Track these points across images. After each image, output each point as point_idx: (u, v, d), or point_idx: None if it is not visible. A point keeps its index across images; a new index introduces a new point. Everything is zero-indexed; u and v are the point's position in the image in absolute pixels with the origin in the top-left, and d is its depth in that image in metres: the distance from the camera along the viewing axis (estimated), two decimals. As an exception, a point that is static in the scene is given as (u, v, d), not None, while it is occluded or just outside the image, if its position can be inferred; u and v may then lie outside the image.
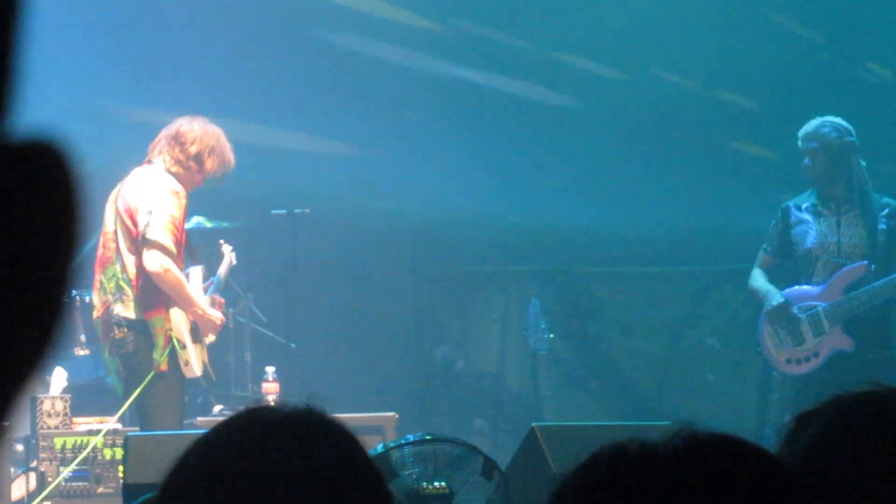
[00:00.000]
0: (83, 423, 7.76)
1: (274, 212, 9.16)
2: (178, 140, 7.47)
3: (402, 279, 10.79)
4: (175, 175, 7.44)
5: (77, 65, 10.04)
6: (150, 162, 7.50)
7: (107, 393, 8.15)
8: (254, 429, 1.81)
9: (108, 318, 7.39)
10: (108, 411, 7.82)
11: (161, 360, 7.29)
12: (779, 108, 10.45)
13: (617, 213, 10.94)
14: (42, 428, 7.65)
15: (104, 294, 7.43)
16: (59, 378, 8.18)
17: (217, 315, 7.58)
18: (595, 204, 10.94)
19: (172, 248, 7.27)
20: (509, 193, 10.91)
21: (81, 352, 8.43)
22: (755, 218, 9.49)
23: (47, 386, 8.09)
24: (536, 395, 9.50)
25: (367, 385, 10.11)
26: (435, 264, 10.94)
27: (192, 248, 7.73)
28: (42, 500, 7.48)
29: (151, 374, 7.29)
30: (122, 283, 7.37)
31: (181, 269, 7.37)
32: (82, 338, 8.28)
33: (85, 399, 8.27)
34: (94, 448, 7.60)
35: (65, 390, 8.12)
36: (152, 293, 7.32)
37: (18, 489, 7.69)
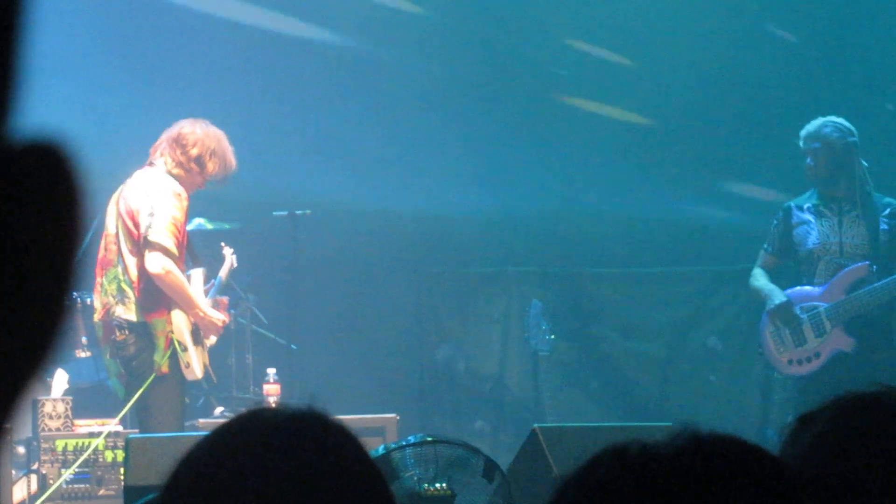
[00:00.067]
0: (84, 426, 7.76)
1: (275, 213, 9.16)
2: (179, 142, 7.48)
3: (404, 280, 10.79)
4: (176, 177, 7.44)
5: (79, 66, 10.04)
6: (151, 164, 7.51)
7: (108, 395, 8.15)
8: (255, 430, 1.81)
9: (109, 321, 7.39)
10: (110, 413, 7.83)
11: (162, 362, 7.29)
12: (780, 110, 10.45)
13: (618, 213, 10.93)
14: (43, 430, 7.66)
15: (105, 296, 7.43)
16: (60, 380, 8.19)
17: (219, 317, 7.58)
18: (596, 205, 10.94)
19: (174, 249, 7.27)
20: (510, 194, 10.91)
21: (83, 354, 8.44)
22: (757, 219, 9.49)
23: (48, 388, 8.09)
24: (537, 396, 9.50)
25: (368, 386, 10.11)
26: (436, 265, 10.94)
27: (194, 251, 7.73)
28: (43, 503, 7.48)
29: (152, 376, 7.29)
30: (123, 285, 7.37)
31: (182, 272, 7.37)
32: (83, 340, 8.29)
33: (86, 401, 8.27)
34: (96, 450, 7.60)
35: (66, 392, 8.12)
36: (154, 295, 7.32)
37: (20, 491, 7.69)
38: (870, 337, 8.08)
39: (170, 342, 7.31)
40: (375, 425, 7.61)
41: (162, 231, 7.25)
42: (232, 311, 8.53)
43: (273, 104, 10.45)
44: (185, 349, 7.33)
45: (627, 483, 1.44)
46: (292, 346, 9.19)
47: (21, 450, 7.92)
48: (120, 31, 10.28)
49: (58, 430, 7.67)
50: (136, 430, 7.38)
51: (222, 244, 8.73)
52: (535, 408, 9.62)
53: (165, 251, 7.24)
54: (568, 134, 10.93)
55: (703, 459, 1.45)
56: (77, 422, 7.76)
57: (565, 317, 10.51)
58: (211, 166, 7.51)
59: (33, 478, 7.65)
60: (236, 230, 9.23)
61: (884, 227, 8.16)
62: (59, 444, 7.60)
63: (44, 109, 7.99)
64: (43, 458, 7.58)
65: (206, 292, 7.77)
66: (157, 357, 7.30)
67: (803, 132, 8.27)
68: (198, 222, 8.80)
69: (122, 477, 7.03)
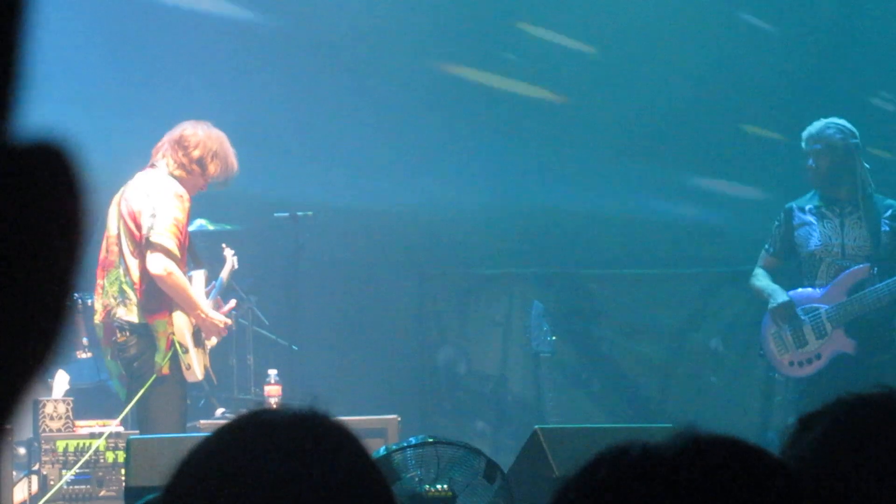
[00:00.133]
0: (85, 427, 7.76)
1: (277, 214, 9.16)
2: (181, 144, 7.48)
3: (405, 282, 10.79)
4: (178, 179, 7.44)
5: (80, 67, 10.04)
6: (153, 166, 7.51)
7: (109, 396, 8.15)
8: (256, 431, 1.81)
9: (110, 322, 7.39)
10: (111, 414, 7.82)
11: (163, 363, 7.29)
12: (783, 112, 10.44)
13: (619, 215, 10.93)
14: (44, 431, 7.65)
15: (106, 297, 7.43)
16: (61, 381, 8.18)
17: (220, 318, 7.58)
18: (598, 206, 10.93)
19: (176, 251, 7.27)
20: (511, 196, 10.91)
21: (84, 355, 8.44)
22: (758, 220, 9.49)
23: (49, 389, 8.09)
24: (539, 397, 9.50)
25: (370, 387, 10.11)
26: (437, 267, 10.94)
27: (195, 252, 7.73)
28: (45, 504, 7.48)
29: (153, 377, 7.29)
30: (125, 286, 7.37)
31: (184, 273, 7.38)
32: (84, 341, 8.29)
33: (87, 402, 8.27)
34: (97, 451, 7.60)
35: (67, 393, 8.12)
36: (156, 296, 7.32)
37: (21, 492, 7.69)
38: (871, 339, 8.08)
39: (171, 343, 7.31)
40: (377, 426, 7.61)
41: (164, 232, 7.25)
42: (233, 312, 8.53)
43: (275, 105, 10.45)
44: (185, 351, 7.33)
45: (628, 484, 1.44)
46: (293, 347, 9.19)
47: (22, 451, 7.92)
48: (122, 31, 10.28)
49: (59, 430, 7.67)
50: (137, 431, 7.38)
51: (223, 245, 8.73)
52: (537, 409, 9.62)
53: (167, 252, 7.24)
54: (570, 135, 10.92)
55: (704, 461, 1.45)
56: (78, 423, 7.76)
57: (567, 318, 10.51)
58: (213, 168, 7.51)
59: (34, 479, 7.65)
60: (238, 231, 9.23)
61: (885, 228, 8.16)
62: (60, 444, 7.60)
63: (46, 110, 7.97)
64: (44, 458, 7.58)
65: (208, 294, 7.77)
66: (157, 358, 7.30)
67: (805, 133, 8.27)
68: (199, 223, 8.80)
69: (123, 478, 7.04)
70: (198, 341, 7.43)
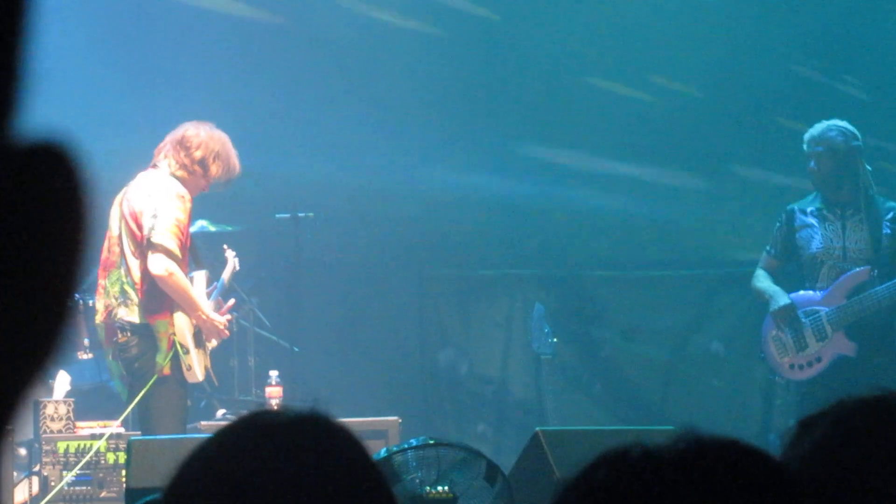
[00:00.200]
0: (86, 427, 7.76)
1: (278, 215, 9.16)
2: (183, 144, 7.48)
3: (406, 283, 10.79)
4: (180, 179, 7.45)
5: (82, 67, 10.04)
6: (155, 166, 7.51)
7: (110, 397, 8.15)
8: (257, 433, 1.81)
9: (112, 322, 7.39)
10: (112, 415, 7.82)
11: (164, 363, 7.29)
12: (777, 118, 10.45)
13: (620, 215, 10.93)
14: (45, 432, 7.65)
15: (107, 298, 7.43)
16: (62, 382, 8.19)
17: (221, 319, 7.58)
18: (599, 207, 10.93)
19: (177, 251, 7.27)
20: (513, 197, 10.90)
21: (85, 356, 8.43)
22: (759, 222, 9.49)
23: (51, 390, 8.09)
24: (540, 399, 9.49)
25: (371, 389, 10.11)
26: (439, 269, 10.94)
27: (196, 253, 7.73)
28: (45, 504, 7.48)
29: (154, 377, 7.29)
30: (126, 286, 7.37)
31: (185, 274, 7.38)
32: (86, 342, 8.28)
33: (88, 403, 8.27)
34: (98, 452, 7.60)
35: (68, 394, 8.12)
36: (157, 297, 7.32)
37: (21, 493, 7.69)
38: (871, 341, 8.08)
39: (172, 344, 7.31)
40: (378, 428, 7.61)
41: (165, 233, 7.25)
42: (234, 313, 8.54)
43: (276, 106, 10.45)
44: (186, 351, 7.33)
45: (629, 486, 1.44)
46: (295, 348, 9.19)
47: (23, 451, 7.92)
48: (124, 32, 10.28)
49: (59, 431, 7.67)
50: (138, 432, 7.38)
51: (225, 246, 8.72)
52: (538, 411, 9.62)
53: (168, 253, 7.24)
54: (571, 135, 10.92)
55: (705, 463, 1.45)
56: (79, 424, 7.76)
57: (568, 320, 10.51)
58: (214, 169, 7.51)
59: (35, 480, 7.65)
60: (239, 232, 9.23)
61: (886, 231, 8.16)
62: (61, 445, 7.60)
63: (47, 111, 7.97)
64: (44, 459, 7.58)
65: (209, 295, 7.77)
66: (159, 358, 7.30)
67: (807, 136, 8.27)
68: (200, 224, 8.81)
69: (123, 479, 7.04)
70: (199, 342, 7.43)
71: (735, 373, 10.54)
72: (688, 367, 10.79)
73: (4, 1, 0.97)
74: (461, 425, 10.62)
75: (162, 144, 7.56)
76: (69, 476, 7.54)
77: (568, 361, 10.40)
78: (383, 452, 5.22)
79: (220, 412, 8.88)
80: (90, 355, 8.40)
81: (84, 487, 7.58)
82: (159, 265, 7.23)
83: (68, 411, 7.73)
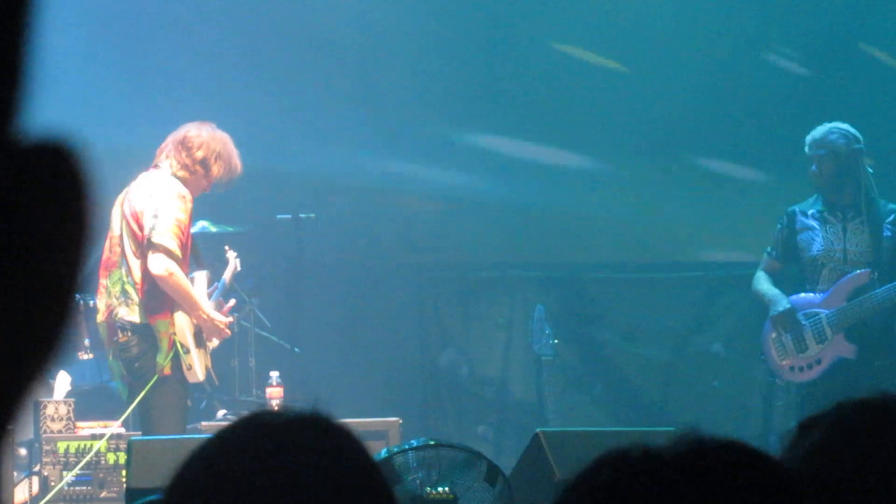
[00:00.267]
0: (87, 428, 7.76)
1: (279, 216, 9.16)
2: (184, 145, 7.48)
3: (407, 284, 10.79)
4: (181, 179, 7.45)
5: (84, 67, 10.05)
6: (156, 166, 7.52)
7: (110, 397, 8.15)
8: (258, 433, 1.81)
9: (113, 322, 7.39)
10: (112, 415, 7.82)
11: (165, 363, 7.29)
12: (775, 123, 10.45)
13: (621, 216, 10.93)
14: (45, 432, 7.65)
15: (108, 298, 7.43)
16: (62, 382, 8.19)
17: (222, 319, 7.58)
18: (600, 208, 10.93)
19: (178, 251, 7.27)
20: (513, 198, 10.90)
21: (85, 356, 8.44)
22: (760, 223, 9.49)
23: (51, 390, 8.09)
24: (540, 400, 9.49)
25: (371, 390, 10.11)
26: (439, 269, 10.94)
27: (197, 253, 7.73)
28: (45, 504, 7.48)
29: (155, 377, 7.29)
30: (127, 286, 7.37)
31: (186, 274, 7.38)
32: (86, 342, 8.29)
33: (89, 403, 8.28)
34: (98, 452, 7.60)
35: (68, 394, 8.12)
36: (158, 297, 7.32)
37: (21, 493, 7.69)
38: (871, 343, 8.08)
39: (172, 344, 7.31)
40: (378, 429, 7.61)
41: (165, 233, 7.25)
42: (235, 314, 8.53)
43: (277, 106, 10.45)
44: (187, 351, 7.33)
45: (629, 487, 1.45)
46: (295, 349, 9.19)
47: (23, 451, 7.92)
48: (125, 31, 10.28)
49: (60, 432, 7.67)
50: (139, 433, 7.38)
51: (226, 247, 8.73)
52: (538, 412, 9.61)
53: (169, 253, 7.25)
54: (572, 136, 10.93)
55: (705, 464, 1.45)
56: (79, 424, 7.76)
57: (569, 321, 10.51)
58: (216, 169, 7.52)
59: (35, 480, 7.65)
60: (240, 233, 9.23)
61: (887, 233, 8.16)
62: (61, 446, 7.60)
63: (49, 110, 7.97)
64: (45, 460, 7.58)
65: (210, 295, 7.77)
66: (159, 358, 7.30)
67: (809, 138, 8.27)
68: (201, 225, 8.81)
69: (124, 479, 7.04)
70: (199, 342, 7.43)
71: (736, 374, 10.54)
72: (688, 368, 10.79)
73: (5, 1, 0.97)
74: (462, 426, 10.62)
75: (163, 145, 7.57)
76: (69, 476, 7.54)
77: (569, 362, 10.40)
78: (384, 453, 5.22)
79: (221, 412, 8.88)
80: (91, 355, 8.40)
81: (84, 487, 7.58)
82: (159, 265, 7.24)
83: (69, 411, 7.73)
